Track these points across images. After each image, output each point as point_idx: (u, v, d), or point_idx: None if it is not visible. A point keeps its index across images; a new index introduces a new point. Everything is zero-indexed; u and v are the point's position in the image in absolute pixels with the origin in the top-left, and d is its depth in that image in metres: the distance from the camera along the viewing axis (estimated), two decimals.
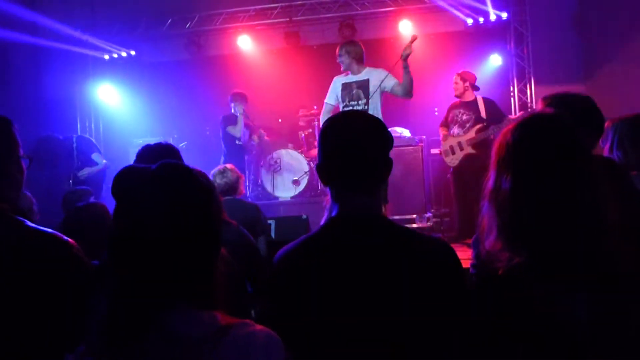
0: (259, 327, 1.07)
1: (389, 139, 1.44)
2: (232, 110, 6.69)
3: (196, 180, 1.10)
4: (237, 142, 6.69)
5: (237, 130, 6.59)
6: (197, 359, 0.98)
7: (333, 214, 1.42)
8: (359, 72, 4.89)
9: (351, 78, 4.92)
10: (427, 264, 1.32)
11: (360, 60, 4.90)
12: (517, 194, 1.25)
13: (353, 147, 1.38)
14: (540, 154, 1.26)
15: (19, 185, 1.58)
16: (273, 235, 4.85)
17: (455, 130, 5.92)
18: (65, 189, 5.49)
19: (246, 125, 6.73)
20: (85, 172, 6.06)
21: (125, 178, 1.07)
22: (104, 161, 6.30)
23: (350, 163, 1.38)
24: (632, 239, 1.25)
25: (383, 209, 2.35)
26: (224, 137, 6.69)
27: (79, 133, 7.92)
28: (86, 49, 8.00)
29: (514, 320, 1.19)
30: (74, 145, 6.11)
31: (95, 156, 6.23)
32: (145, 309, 1.01)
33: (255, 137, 6.99)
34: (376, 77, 4.80)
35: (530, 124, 1.32)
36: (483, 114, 5.77)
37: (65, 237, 1.52)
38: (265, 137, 7.75)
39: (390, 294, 1.28)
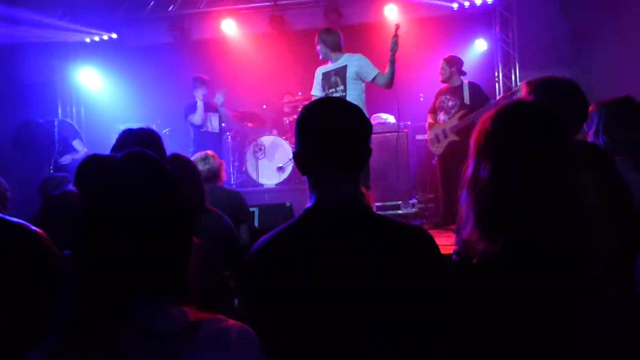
0: (232, 322, 1.03)
1: (366, 126, 1.41)
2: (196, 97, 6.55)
3: (162, 169, 1.05)
4: (201, 129, 6.55)
5: (197, 117, 6.46)
6: (164, 356, 0.94)
7: (311, 203, 1.39)
8: (337, 59, 4.86)
9: (330, 66, 4.90)
10: (406, 252, 1.30)
11: (337, 48, 4.86)
12: (496, 183, 1.22)
13: (329, 136, 1.34)
14: (519, 142, 1.24)
15: None
16: (256, 223, 4.81)
17: (442, 116, 5.89)
18: (45, 174, 5.40)
19: (209, 109, 6.57)
20: (68, 158, 5.94)
21: (89, 168, 1.03)
22: (85, 149, 6.18)
23: (327, 152, 1.35)
24: (615, 225, 1.24)
25: (366, 196, 2.32)
26: (190, 125, 6.63)
27: (60, 118, 7.77)
28: (67, 32, 7.83)
29: (490, 311, 1.16)
30: (55, 129, 5.96)
31: (76, 143, 6.09)
32: (109, 302, 0.97)
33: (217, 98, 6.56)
34: (354, 64, 4.78)
35: (510, 112, 1.29)
36: (467, 99, 5.75)
37: (33, 227, 1.48)
38: (249, 125, 7.67)
39: (369, 284, 1.26)
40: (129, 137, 2.20)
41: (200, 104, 6.42)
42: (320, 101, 1.47)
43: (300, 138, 1.40)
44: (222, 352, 0.97)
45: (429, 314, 1.24)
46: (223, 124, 6.82)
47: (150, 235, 0.99)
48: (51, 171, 5.67)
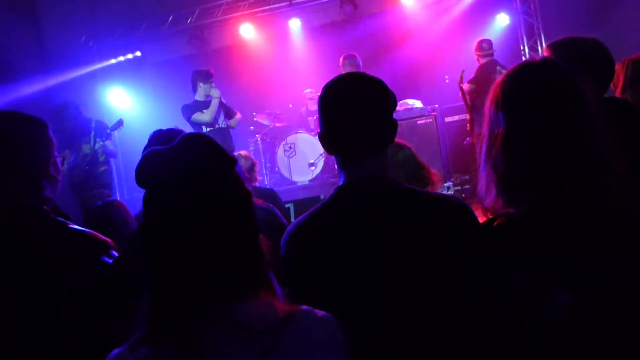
0: (319, 313, 1.01)
1: (390, 99, 1.37)
2: (197, 96, 5.87)
3: (218, 147, 1.04)
4: (205, 129, 5.70)
5: (208, 115, 5.68)
6: (258, 351, 0.93)
7: (340, 182, 1.39)
8: None
9: None
10: (440, 222, 1.29)
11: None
12: (510, 145, 1.18)
13: (349, 115, 1.32)
14: (532, 101, 1.19)
15: (57, 184, 1.64)
16: (293, 218, 4.85)
17: None
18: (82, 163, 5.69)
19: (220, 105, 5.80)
20: (109, 144, 5.99)
21: (147, 162, 1.01)
22: (116, 150, 6.31)
23: (352, 129, 1.33)
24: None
25: (431, 174, 2.29)
26: (193, 127, 5.79)
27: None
28: (93, 57, 8.06)
29: (514, 276, 1.14)
30: (92, 126, 6.05)
31: (108, 143, 6.12)
32: (190, 294, 0.96)
33: (232, 122, 5.97)
34: None
35: (519, 72, 1.25)
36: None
37: (102, 236, 1.56)
38: (277, 125, 7.71)
39: (405, 259, 1.25)
40: (161, 136, 2.28)
41: (215, 101, 5.69)
42: (341, 77, 1.42)
43: (322, 118, 1.39)
44: (315, 343, 0.97)
45: (465, 281, 1.22)
46: (231, 125, 5.99)
47: (219, 221, 0.99)
48: (87, 168, 5.74)
